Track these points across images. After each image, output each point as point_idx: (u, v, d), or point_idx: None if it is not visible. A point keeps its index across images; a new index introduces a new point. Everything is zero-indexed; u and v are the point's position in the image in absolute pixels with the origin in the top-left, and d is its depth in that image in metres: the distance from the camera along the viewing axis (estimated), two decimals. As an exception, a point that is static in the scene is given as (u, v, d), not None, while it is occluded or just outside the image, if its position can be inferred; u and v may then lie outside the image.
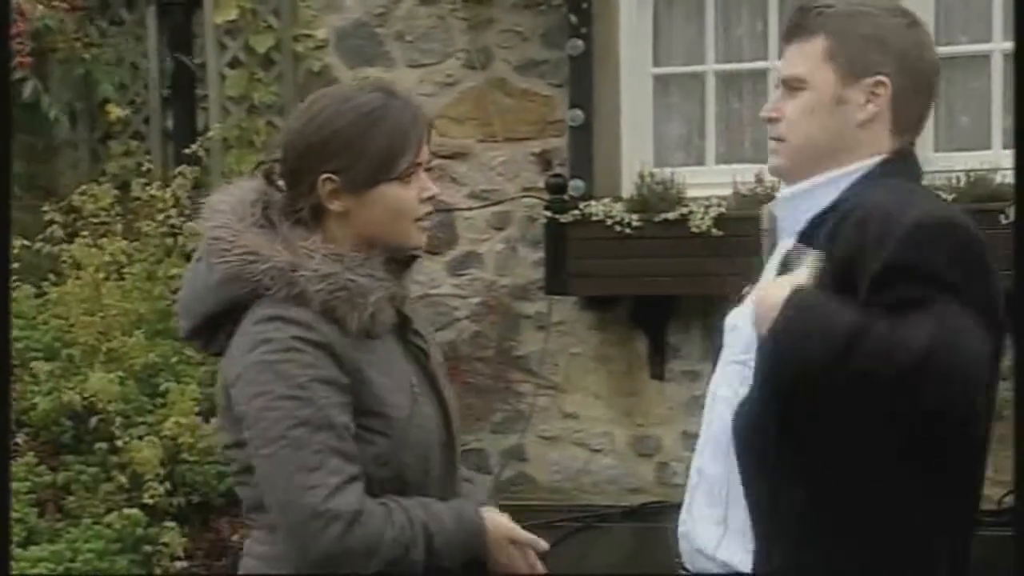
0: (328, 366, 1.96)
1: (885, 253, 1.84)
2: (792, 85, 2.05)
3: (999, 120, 4.95)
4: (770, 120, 2.07)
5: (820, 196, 2.02)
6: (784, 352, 1.84)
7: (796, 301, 1.85)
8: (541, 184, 5.30)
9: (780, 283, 1.91)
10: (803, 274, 1.91)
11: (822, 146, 2.02)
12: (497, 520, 2.09)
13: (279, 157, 2.09)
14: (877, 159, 2.03)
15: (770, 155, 2.11)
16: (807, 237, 1.98)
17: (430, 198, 2.07)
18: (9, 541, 3.34)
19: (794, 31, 2.06)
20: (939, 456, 1.92)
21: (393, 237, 2.05)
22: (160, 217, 4.92)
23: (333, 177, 2.02)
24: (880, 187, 1.98)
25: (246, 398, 1.97)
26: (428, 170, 2.08)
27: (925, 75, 2.06)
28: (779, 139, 2.06)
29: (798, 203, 2.04)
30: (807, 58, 2.03)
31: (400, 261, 2.09)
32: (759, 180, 4.87)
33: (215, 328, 2.06)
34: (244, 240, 2.00)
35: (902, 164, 2.05)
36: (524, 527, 2.15)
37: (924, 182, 5.19)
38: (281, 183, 2.08)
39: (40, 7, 5.14)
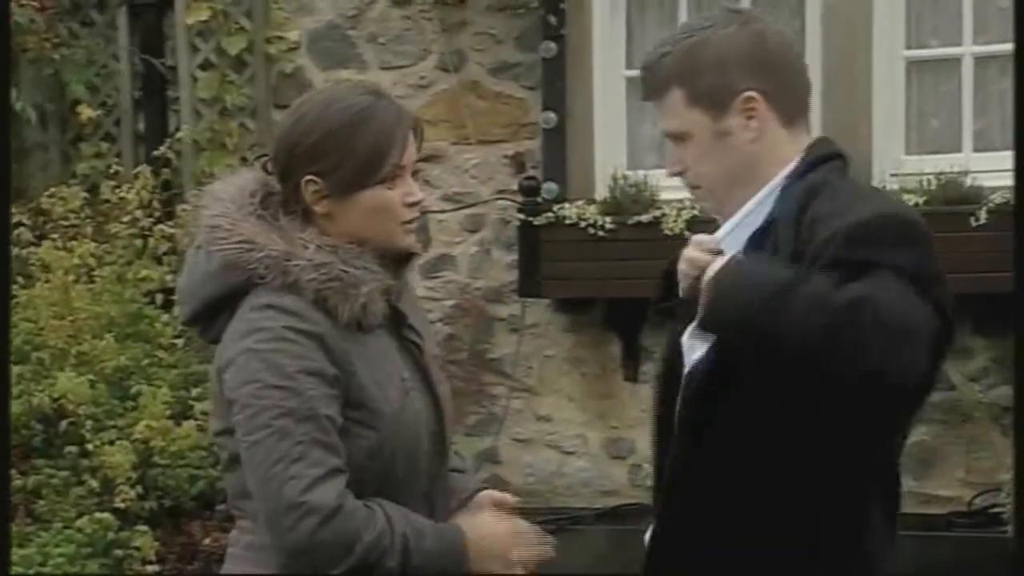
0: (318, 357, 1.98)
1: (828, 253, 1.88)
2: (677, 139, 2.08)
3: (969, 123, 4.98)
4: (677, 175, 2.11)
5: (755, 216, 2.05)
6: (725, 300, 1.89)
7: (736, 259, 1.91)
8: (514, 186, 5.30)
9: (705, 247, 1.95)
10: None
11: (731, 177, 2.05)
12: (478, 545, 2.06)
13: (270, 156, 2.11)
14: (792, 165, 2.04)
15: (697, 201, 2.16)
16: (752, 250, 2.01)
17: (415, 203, 2.07)
18: (9, 542, 3.31)
19: (649, 93, 2.09)
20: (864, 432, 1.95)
21: (379, 239, 2.06)
22: (127, 219, 4.90)
23: (316, 179, 2.03)
24: (825, 193, 2.00)
25: (236, 384, 1.99)
26: (415, 173, 2.08)
27: (781, 61, 2.06)
28: (694, 187, 2.10)
29: (738, 234, 2.05)
30: (673, 112, 2.06)
31: (395, 258, 2.09)
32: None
33: (214, 314, 2.07)
34: (241, 229, 2.02)
35: (823, 156, 2.07)
36: (519, 501, 2.16)
37: (895, 186, 5.21)
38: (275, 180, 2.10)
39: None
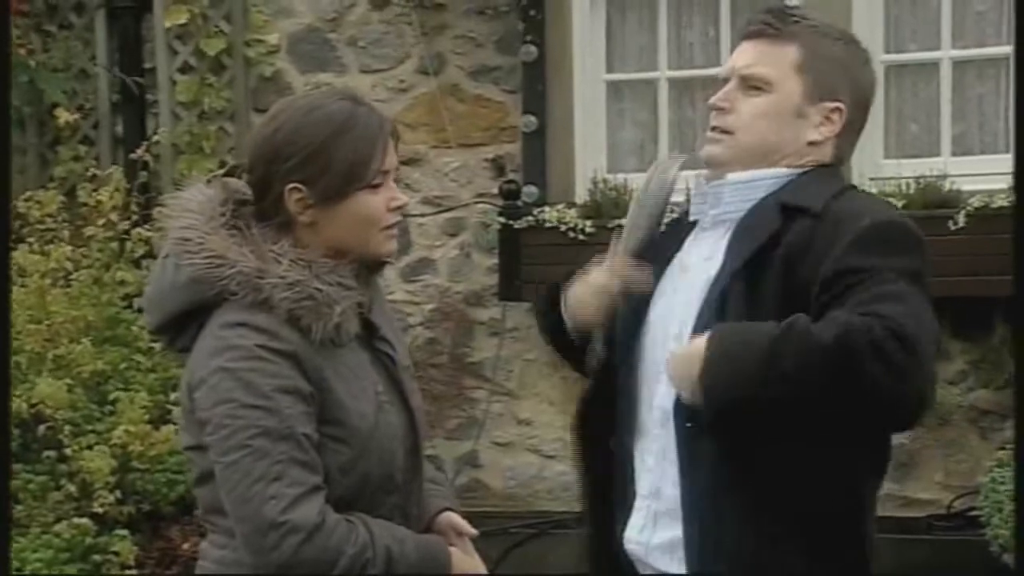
0: (292, 375, 1.95)
1: (837, 253, 1.90)
2: (752, 83, 2.03)
3: (948, 127, 5.00)
4: (719, 109, 2.06)
5: (760, 188, 2.04)
6: (717, 378, 1.87)
7: (716, 337, 1.90)
8: (495, 190, 5.30)
9: (692, 344, 1.94)
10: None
11: (769, 149, 2.04)
12: (460, 558, 2.11)
13: (245, 166, 2.08)
14: (812, 163, 2.06)
15: (708, 143, 2.09)
16: (748, 228, 2.00)
17: (398, 207, 2.06)
18: (9, 543, 3.29)
19: (765, 31, 2.04)
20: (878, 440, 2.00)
21: (361, 246, 2.04)
22: (101, 222, 4.87)
23: (300, 187, 2.01)
24: (843, 194, 2.03)
25: (209, 404, 1.96)
26: (395, 178, 2.07)
27: (868, 109, 2.10)
28: (726, 131, 2.05)
29: (743, 191, 2.05)
30: (777, 62, 2.02)
31: (370, 266, 2.08)
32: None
33: (182, 325, 2.05)
34: (211, 243, 1.99)
35: (836, 170, 2.09)
36: (479, 534, 2.15)
37: (874, 189, 5.25)
38: (244, 188, 2.07)
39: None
